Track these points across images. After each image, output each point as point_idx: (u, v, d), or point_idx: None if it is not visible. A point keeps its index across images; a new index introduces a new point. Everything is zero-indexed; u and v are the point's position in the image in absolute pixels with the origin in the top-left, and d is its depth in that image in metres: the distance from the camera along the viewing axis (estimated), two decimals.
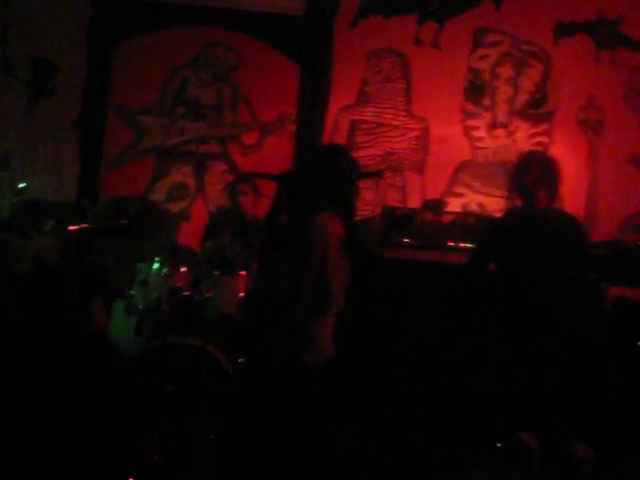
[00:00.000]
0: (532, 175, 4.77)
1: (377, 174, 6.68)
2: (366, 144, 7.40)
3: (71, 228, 5.38)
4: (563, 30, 7.60)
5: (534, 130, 7.56)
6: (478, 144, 7.50)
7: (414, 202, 7.28)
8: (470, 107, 7.49)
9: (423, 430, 5.04)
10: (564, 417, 4.66)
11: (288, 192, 3.89)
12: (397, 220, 6.11)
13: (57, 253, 5.96)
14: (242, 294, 5.42)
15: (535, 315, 4.62)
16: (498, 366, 4.69)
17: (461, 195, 7.44)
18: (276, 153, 7.32)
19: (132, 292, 5.45)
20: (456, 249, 6.05)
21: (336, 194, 3.86)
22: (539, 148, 7.41)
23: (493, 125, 7.50)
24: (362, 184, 6.68)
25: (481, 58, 7.50)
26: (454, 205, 7.27)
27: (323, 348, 3.72)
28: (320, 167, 3.93)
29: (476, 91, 7.49)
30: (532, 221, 4.78)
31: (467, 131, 7.49)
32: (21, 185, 6.09)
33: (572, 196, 7.40)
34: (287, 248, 3.79)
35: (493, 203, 7.29)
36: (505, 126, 7.52)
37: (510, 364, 4.62)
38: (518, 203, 4.98)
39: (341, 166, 3.92)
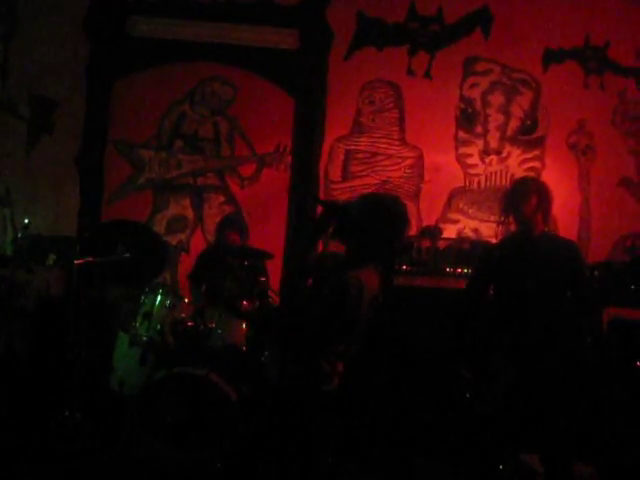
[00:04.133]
0: (531, 203, 4.85)
1: None
2: (361, 173, 7.51)
3: (76, 262, 5.44)
4: (552, 57, 7.75)
5: (526, 156, 7.68)
6: (471, 171, 7.62)
7: (410, 229, 7.37)
8: (462, 135, 7.62)
9: (427, 454, 5.10)
10: (565, 437, 4.71)
11: (339, 226, 3.80)
12: None
13: (61, 286, 6.04)
14: (244, 326, 5.50)
15: (535, 338, 4.69)
16: (499, 388, 4.75)
17: (456, 221, 7.55)
18: (273, 184, 7.42)
19: (136, 324, 5.50)
20: (453, 274, 6.15)
21: (385, 250, 3.76)
22: (531, 173, 7.54)
23: (485, 152, 7.63)
24: None
25: (472, 87, 7.64)
26: (449, 231, 7.37)
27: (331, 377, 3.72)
28: (387, 219, 3.75)
29: (468, 119, 7.63)
30: (530, 246, 4.87)
31: (460, 158, 7.61)
32: (26, 221, 6.17)
33: (565, 219, 7.53)
34: (318, 286, 3.70)
35: (487, 228, 7.41)
36: (497, 152, 7.64)
37: (511, 386, 4.68)
38: (512, 228, 5.08)
39: (402, 225, 3.84)
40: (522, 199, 4.84)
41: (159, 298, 5.53)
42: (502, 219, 5.00)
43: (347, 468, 4.78)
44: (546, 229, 4.96)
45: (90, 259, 5.39)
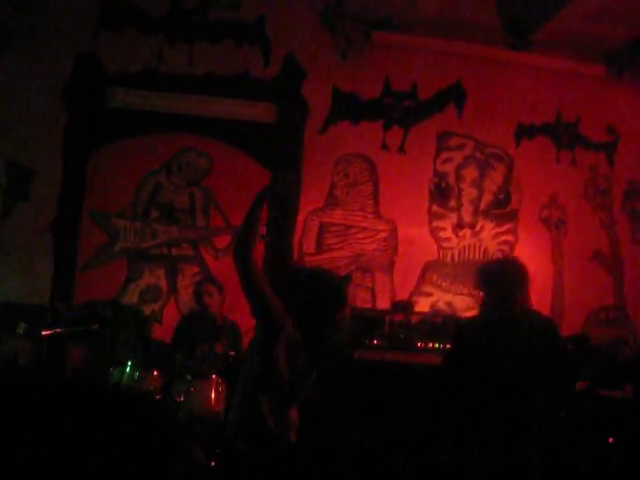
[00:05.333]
0: (511, 284, 4.80)
1: (347, 280, 6.79)
2: (336, 246, 7.55)
3: (44, 333, 5.42)
4: (524, 133, 7.93)
5: (499, 229, 7.78)
6: (445, 244, 7.69)
7: (384, 302, 7.39)
8: (436, 208, 7.71)
9: None
10: None
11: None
12: (367, 321, 6.23)
13: (29, 356, 5.99)
14: (213, 397, 5.47)
15: (514, 418, 4.64)
16: (480, 472, 4.67)
17: (429, 294, 7.58)
18: None
19: None
20: (425, 349, 6.16)
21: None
22: (504, 247, 7.64)
23: (459, 225, 7.71)
24: None
25: (445, 161, 7.76)
26: (423, 304, 7.42)
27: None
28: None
29: (442, 193, 7.73)
30: (509, 323, 4.81)
31: (434, 232, 7.69)
32: None
33: (538, 292, 7.54)
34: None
35: (461, 301, 7.46)
36: (471, 226, 7.73)
37: (493, 468, 4.61)
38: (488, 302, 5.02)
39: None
40: (503, 280, 4.77)
41: (128, 370, 5.51)
42: (484, 298, 4.90)
43: None
44: (524, 306, 4.94)
45: (58, 330, 5.38)
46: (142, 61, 7.43)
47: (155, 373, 5.65)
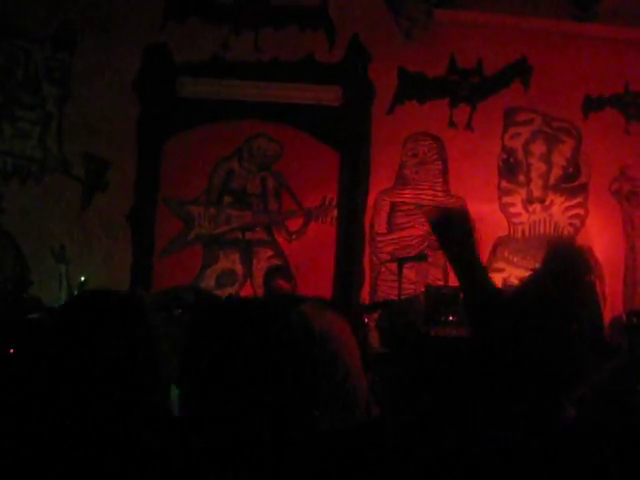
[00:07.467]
0: None
1: (422, 258, 6.88)
2: (406, 225, 7.61)
3: None
4: (592, 105, 7.84)
5: (569, 203, 7.75)
6: (515, 220, 7.70)
7: (455, 279, 7.42)
8: (505, 184, 7.72)
9: None
10: None
11: None
12: (441, 299, 6.28)
13: None
14: None
15: None
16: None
17: (501, 270, 7.60)
18: (320, 238, 7.54)
19: None
20: None
21: None
22: (575, 221, 7.62)
23: (529, 200, 7.71)
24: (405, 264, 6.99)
25: (513, 137, 7.75)
26: (495, 280, 7.41)
27: None
28: None
29: (510, 169, 7.72)
30: None
31: (504, 208, 7.70)
32: (82, 279, 6.35)
33: (610, 265, 7.57)
34: None
35: None
36: (541, 201, 7.72)
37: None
38: None
39: None
40: None
41: None
42: None
43: None
44: None
45: None
46: (209, 50, 7.55)
47: None
